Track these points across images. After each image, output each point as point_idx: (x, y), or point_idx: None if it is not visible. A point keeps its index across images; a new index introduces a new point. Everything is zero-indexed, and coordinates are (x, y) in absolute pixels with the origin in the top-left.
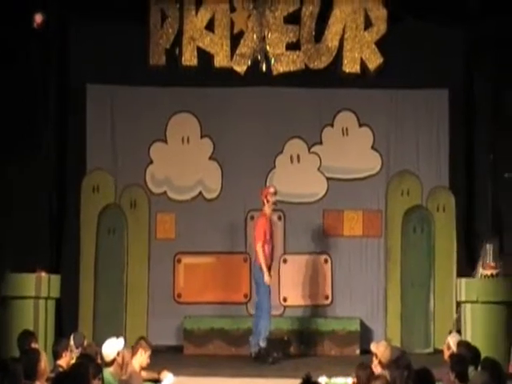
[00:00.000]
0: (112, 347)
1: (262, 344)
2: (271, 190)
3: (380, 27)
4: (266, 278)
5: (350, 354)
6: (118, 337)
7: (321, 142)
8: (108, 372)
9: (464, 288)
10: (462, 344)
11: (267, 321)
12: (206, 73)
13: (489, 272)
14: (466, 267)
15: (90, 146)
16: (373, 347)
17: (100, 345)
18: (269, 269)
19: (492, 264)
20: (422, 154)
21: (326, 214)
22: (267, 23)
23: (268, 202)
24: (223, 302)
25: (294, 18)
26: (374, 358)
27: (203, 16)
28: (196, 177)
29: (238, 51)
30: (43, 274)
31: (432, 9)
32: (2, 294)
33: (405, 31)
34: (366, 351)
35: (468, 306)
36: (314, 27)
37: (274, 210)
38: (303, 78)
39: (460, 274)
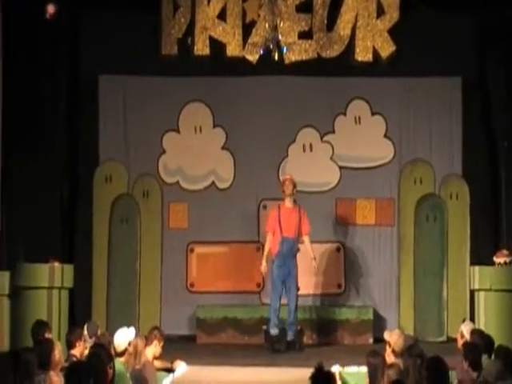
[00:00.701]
0: (123, 337)
1: (272, 332)
2: (282, 179)
3: (392, 15)
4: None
5: (363, 342)
6: (129, 327)
7: (333, 131)
8: (119, 362)
9: (477, 276)
10: (475, 332)
11: (271, 309)
12: (218, 62)
13: (502, 260)
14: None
15: (102, 136)
16: (386, 335)
17: (113, 334)
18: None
19: (505, 252)
20: (435, 142)
21: (339, 203)
22: (279, 12)
23: (283, 192)
24: (236, 291)
25: (305, 7)
26: (388, 347)
27: (215, 5)
28: (208, 166)
29: (250, 40)
30: (56, 264)
31: None
32: (16, 285)
33: (417, 19)
34: (379, 340)
35: (481, 294)
36: (326, 16)
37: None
38: (315, 67)
39: (473, 262)
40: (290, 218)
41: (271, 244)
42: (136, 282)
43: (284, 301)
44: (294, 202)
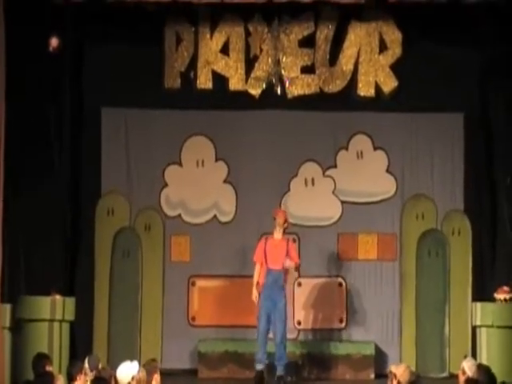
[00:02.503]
0: (126, 372)
1: (257, 367)
2: (275, 211)
3: (395, 50)
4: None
5: (364, 378)
6: (131, 360)
7: (335, 166)
8: None
9: (479, 312)
10: (481, 368)
11: (257, 343)
12: (221, 96)
13: (503, 296)
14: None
15: (104, 168)
16: (392, 368)
17: (115, 368)
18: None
19: (506, 288)
20: (437, 177)
21: (341, 238)
22: (282, 46)
23: (274, 221)
24: (238, 325)
25: (308, 42)
26: (393, 378)
27: (218, 39)
28: (211, 200)
29: (252, 74)
30: (58, 297)
31: (447, 32)
32: (17, 317)
33: (420, 54)
34: (381, 375)
35: (483, 330)
36: (329, 51)
37: (286, 233)
38: (318, 102)
39: (475, 298)
40: (276, 250)
41: (259, 275)
42: (137, 316)
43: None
44: (284, 234)
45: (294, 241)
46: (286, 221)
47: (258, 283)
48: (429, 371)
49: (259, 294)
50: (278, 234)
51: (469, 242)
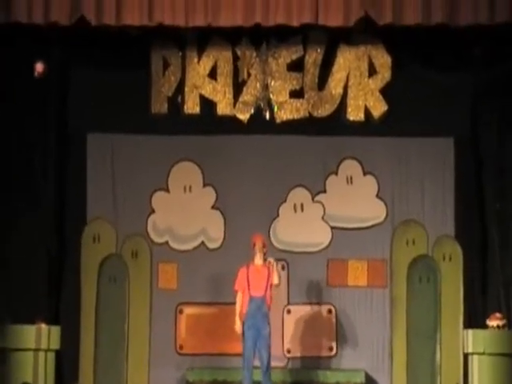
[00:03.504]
0: None
1: None
2: (254, 237)
3: (384, 74)
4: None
5: None
6: None
7: (325, 191)
8: None
9: (471, 339)
10: None
11: (243, 372)
12: (209, 121)
13: (495, 323)
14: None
15: (90, 195)
16: None
17: None
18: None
19: (498, 315)
20: (428, 202)
21: (331, 264)
22: (270, 71)
23: (254, 247)
24: (226, 353)
25: (297, 66)
26: None
27: (205, 64)
28: (198, 226)
29: (240, 99)
30: (43, 326)
31: (437, 56)
32: (1, 346)
33: (410, 78)
34: None
35: (475, 357)
36: (318, 74)
37: (266, 259)
38: (307, 126)
39: (467, 325)
40: (258, 276)
41: (242, 304)
42: (124, 344)
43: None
44: (265, 260)
45: (283, 268)
46: (265, 245)
47: (241, 312)
48: None
49: (243, 324)
50: (258, 260)
51: (460, 267)
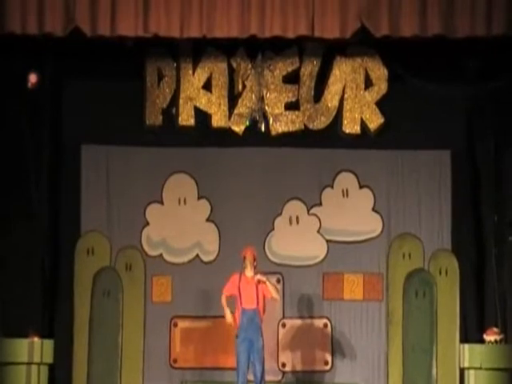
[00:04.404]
0: None
1: None
2: (244, 250)
3: (381, 87)
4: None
5: None
6: None
7: (320, 204)
8: None
9: (467, 354)
10: None
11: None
12: (204, 133)
13: (492, 338)
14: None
15: (84, 207)
16: None
17: None
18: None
19: (495, 330)
20: (424, 216)
21: (326, 277)
22: (266, 83)
23: (244, 260)
24: (220, 367)
25: (292, 78)
26: None
27: (200, 75)
28: (193, 239)
29: (236, 111)
30: (36, 339)
31: (434, 68)
32: None
33: (406, 91)
34: None
35: (472, 372)
36: (314, 87)
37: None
38: (302, 139)
39: (463, 340)
40: (249, 288)
41: (235, 315)
42: (118, 357)
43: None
44: (255, 273)
45: (278, 281)
46: (255, 258)
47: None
48: None
49: (236, 336)
50: (249, 272)
51: (456, 282)
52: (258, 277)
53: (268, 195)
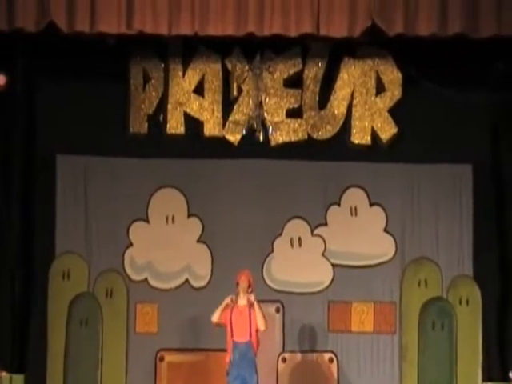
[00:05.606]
0: None
1: None
2: (239, 274)
3: (394, 92)
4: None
5: None
6: None
7: (326, 224)
8: None
9: None
10: None
11: None
12: (195, 143)
13: None
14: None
15: (59, 225)
16: None
17: None
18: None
19: None
20: (442, 238)
21: (332, 306)
22: (265, 87)
23: (237, 286)
24: None
25: (295, 81)
26: None
27: (191, 78)
28: (182, 262)
29: (231, 118)
30: (4, 374)
31: (453, 73)
32: None
33: (422, 97)
34: None
35: None
36: (318, 92)
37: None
38: (306, 150)
39: (486, 378)
40: (241, 320)
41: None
42: None
43: None
44: (249, 300)
45: (278, 310)
46: (250, 285)
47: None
48: None
49: (227, 373)
50: (242, 301)
51: (479, 312)
52: (251, 297)
53: (267, 213)
